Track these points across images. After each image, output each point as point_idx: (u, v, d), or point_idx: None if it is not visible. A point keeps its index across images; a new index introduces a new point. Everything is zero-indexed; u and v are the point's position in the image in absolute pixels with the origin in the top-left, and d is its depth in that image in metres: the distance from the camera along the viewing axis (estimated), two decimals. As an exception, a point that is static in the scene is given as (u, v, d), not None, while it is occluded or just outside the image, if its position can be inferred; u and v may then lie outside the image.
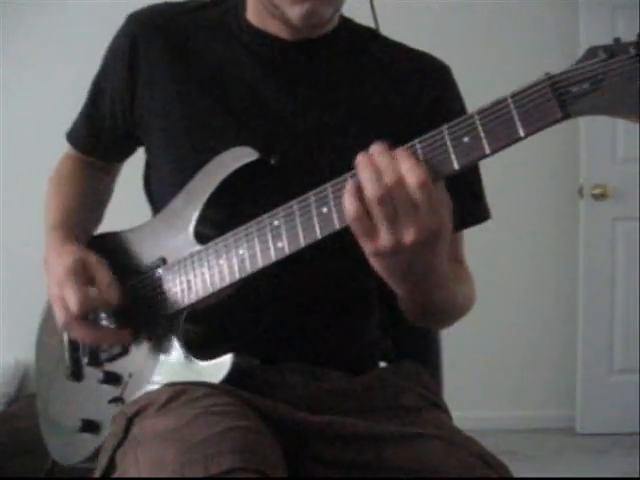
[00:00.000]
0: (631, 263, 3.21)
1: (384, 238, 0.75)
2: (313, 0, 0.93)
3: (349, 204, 0.75)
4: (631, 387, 3.15)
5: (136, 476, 0.77)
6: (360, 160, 0.77)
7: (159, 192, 1.09)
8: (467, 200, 1.04)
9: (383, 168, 0.75)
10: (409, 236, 0.74)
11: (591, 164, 3.19)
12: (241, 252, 0.90)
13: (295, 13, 0.95)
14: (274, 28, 1.02)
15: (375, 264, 0.79)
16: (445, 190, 0.79)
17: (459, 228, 1.06)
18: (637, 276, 3.18)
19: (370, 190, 0.74)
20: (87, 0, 2.98)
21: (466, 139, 0.73)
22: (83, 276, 0.98)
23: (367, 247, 0.77)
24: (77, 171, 1.20)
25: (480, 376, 3.20)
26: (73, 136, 1.19)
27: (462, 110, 1.07)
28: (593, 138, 3.16)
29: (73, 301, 0.96)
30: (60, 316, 0.98)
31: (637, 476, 2.61)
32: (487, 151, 0.72)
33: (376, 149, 0.77)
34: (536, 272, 3.30)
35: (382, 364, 1.14)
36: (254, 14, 1.04)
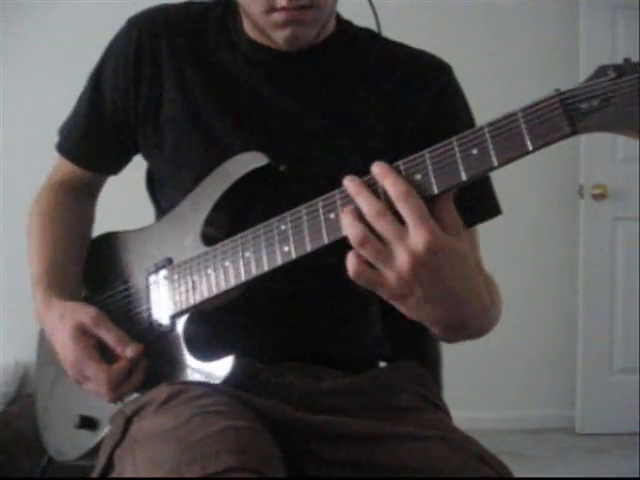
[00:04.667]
0: (631, 263, 3.21)
1: (386, 278, 0.74)
2: (294, 25, 0.94)
3: (350, 264, 0.74)
4: (631, 387, 3.15)
5: (134, 476, 0.78)
6: (345, 220, 0.75)
7: (164, 194, 1.09)
8: (477, 196, 1.03)
9: (362, 206, 0.75)
10: (402, 264, 0.72)
11: (591, 164, 3.19)
12: (247, 255, 0.90)
13: (278, 37, 0.96)
14: (268, 41, 1.02)
15: (401, 309, 0.78)
16: (454, 211, 0.77)
17: (471, 224, 1.04)
18: (637, 276, 3.18)
19: (352, 236, 0.74)
20: (87, 1, 2.98)
21: (475, 151, 0.73)
22: (90, 344, 0.97)
23: (383, 295, 0.76)
24: (61, 207, 1.15)
25: (480, 376, 3.20)
26: (66, 146, 1.16)
27: (465, 108, 1.07)
28: (593, 138, 3.15)
29: (103, 385, 0.95)
30: (99, 393, 0.98)
31: (637, 476, 2.61)
32: (495, 164, 0.72)
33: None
34: (536, 272, 3.30)
35: (382, 364, 1.14)
36: (249, 28, 1.04)
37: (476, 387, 3.17)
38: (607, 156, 3.20)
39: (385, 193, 0.74)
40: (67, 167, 1.17)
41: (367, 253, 0.73)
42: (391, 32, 1.12)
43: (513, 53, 3.18)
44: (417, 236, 0.72)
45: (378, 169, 0.76)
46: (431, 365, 1.21)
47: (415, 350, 1.20)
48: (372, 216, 0.74)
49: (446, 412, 1.06)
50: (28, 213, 1.16)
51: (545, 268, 3.31)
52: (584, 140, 3.17)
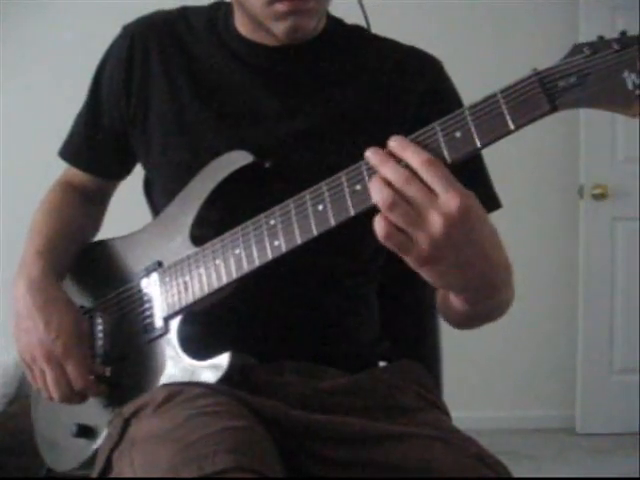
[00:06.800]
0: (631, 263, 3.21)
1: (416, 241, 0.73)
2: (295, 16, 0.94)
3: (378, 226, 0.73)
4: (631, 387, 3.15)
5: (131, 476, 0.78)
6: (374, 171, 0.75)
7: (156, 197, 1.10)
8: (477, 190, 1.03)
9: (389, 174, 0.74)
10: (436, 227, 0.71)
11: (591, 164, 3.19)
12: (237, 252, 0.90)
13: (279, 29, 0.96)
14: (261, 37, 1.02)
15: (429, 277, 0.76)
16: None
17: None
18: (637, 276, 3.18)
19: (380, 201, 0.73)
20: (86, 2, 2.99)
21: (458, 134, 0.74)
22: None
23: (411, 262, 0.75)
24: (68, 205, 1.16)
25: (480, 376, 3.20)
26: (69, 151, 1.16)
27: (457, 102, 1.06)
28: (593, 138, 3.16)
29: (78, 379, 0.99)
30: (54, 389, 1.00)
31: (637, 476, 2.61)
32: (478, 145, 0.74)
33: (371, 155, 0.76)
34: (536, 272, 3.30)
35: (381, 364, 1.14)
36: (241, 24, 1.05)
37: (476, 387, 3.17)
38: (607, 156, 3.20)
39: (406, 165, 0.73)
40: (73, 171, 1.18)
41: (396, 217, 0.72)
42: (381, 29, 1.12)
43: (512, 53, 3.17)
44: (449, 199, 0.71)
45: (397, 142, 0.75)
46: (431, 365, 1.21)
47: (415, 350, 1.20)
48: (401, 183, 0.73)
49: (445, 412, 1.06)
50: (40, 201, 1.17)
51: (545, 268, 3.31)
52: (584, 140, 3.17)
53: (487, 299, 0.82)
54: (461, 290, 0.80)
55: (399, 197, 0.72)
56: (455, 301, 0.82)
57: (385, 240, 0.73)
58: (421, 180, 0.73)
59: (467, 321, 0.93)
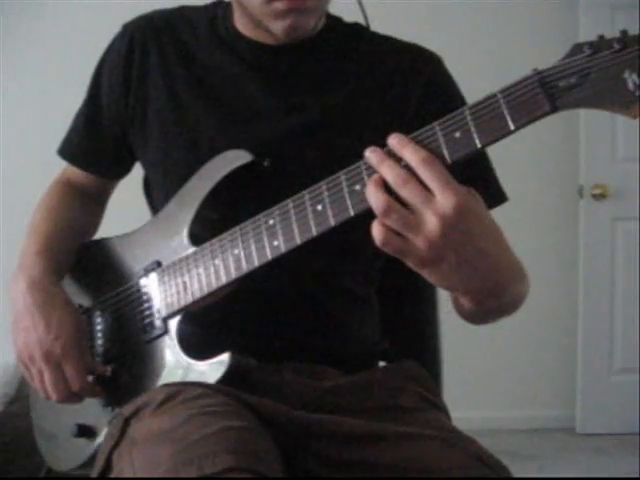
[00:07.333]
0: (631, 263, 3.21)
1: (415, 245, 0.73)
2: (295, 14, 0.94)
3: (376, 233, 0.73)
4: (631, 387, 3.15)
5: (131, 476, 0.78)
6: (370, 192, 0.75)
7: (155, 196, 1.10)
8: (482, 184, 1.03)
9: (386, 174, 0.74)
10: (432, 228, 0.71)
11: (591, 164, 3.19)
12: (236, 252, 0.90)
13: (278, 28, 0.96)
14: (260, 36, 1.02)
15: (431, 278, 0.76)
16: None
17: None
18: (637, 276, 3.18)
19: (375, 207, 0.73)
20: (86, 2, 2.99)
21: (457, 134, 0.74)
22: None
23: (411, 264, 0.75)
24: (66, 204, 1.15)
25: (480, 376, 3.20)
26: (68, 149, 1.16)
27: (458, 96, 1.06)
28: (593, 138, 3.16)
29: (75, 380, 0.99)
30: (52, 389, 1.00)
31: (637, 476, 2.61)
32: (478, 145, 0.73)
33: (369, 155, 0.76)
34: (536, 272, 3.27)
35: (381, 364, 1.14)
36: (241, 23, 1.05)
37: (476, 387, 3.17)
38: (607, 156, 3.20)
39: (405, 163, 0.74)
40: (72, 170, 1.18)
41: (392, 222, 0.72)
42: (380, 28, 1.12)
43: (512, 53, 3.17)
44: (445, 199, 0.71)
45: (396, 140, 0.75)
46: (431, 365, 1.21)
47: (415, 350, 1.20)
48: (397, 184, 0.73)
49: (445, 412, 1.06)
50: (39, 200, 1.17)
51: (545, 268, 3.31)
52: (584, 140, 3.17)
53: (493, 298, 0.81)
54: (465, 291, 0.79)
55: (395, 201, 0.73)
56: (463, 300, 0.82)
57: (383, 246, 0.73)
58: (419, 179, 0.73)
59: (479, 318, 0.93)
